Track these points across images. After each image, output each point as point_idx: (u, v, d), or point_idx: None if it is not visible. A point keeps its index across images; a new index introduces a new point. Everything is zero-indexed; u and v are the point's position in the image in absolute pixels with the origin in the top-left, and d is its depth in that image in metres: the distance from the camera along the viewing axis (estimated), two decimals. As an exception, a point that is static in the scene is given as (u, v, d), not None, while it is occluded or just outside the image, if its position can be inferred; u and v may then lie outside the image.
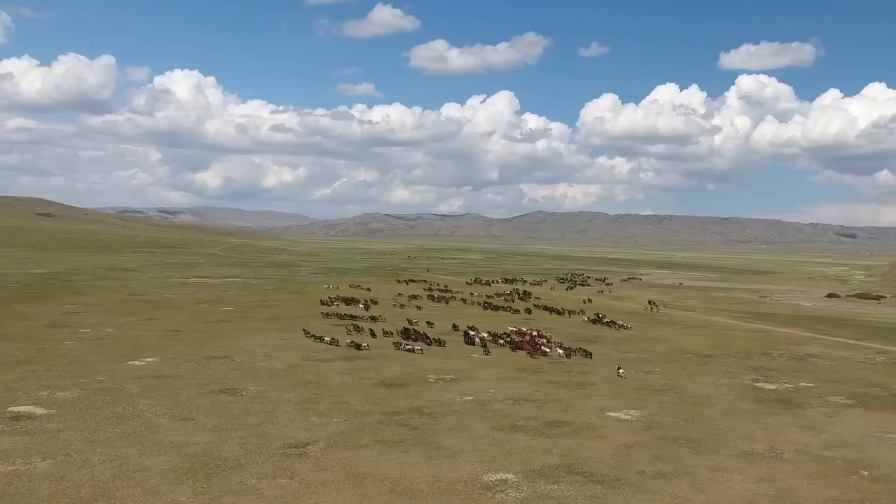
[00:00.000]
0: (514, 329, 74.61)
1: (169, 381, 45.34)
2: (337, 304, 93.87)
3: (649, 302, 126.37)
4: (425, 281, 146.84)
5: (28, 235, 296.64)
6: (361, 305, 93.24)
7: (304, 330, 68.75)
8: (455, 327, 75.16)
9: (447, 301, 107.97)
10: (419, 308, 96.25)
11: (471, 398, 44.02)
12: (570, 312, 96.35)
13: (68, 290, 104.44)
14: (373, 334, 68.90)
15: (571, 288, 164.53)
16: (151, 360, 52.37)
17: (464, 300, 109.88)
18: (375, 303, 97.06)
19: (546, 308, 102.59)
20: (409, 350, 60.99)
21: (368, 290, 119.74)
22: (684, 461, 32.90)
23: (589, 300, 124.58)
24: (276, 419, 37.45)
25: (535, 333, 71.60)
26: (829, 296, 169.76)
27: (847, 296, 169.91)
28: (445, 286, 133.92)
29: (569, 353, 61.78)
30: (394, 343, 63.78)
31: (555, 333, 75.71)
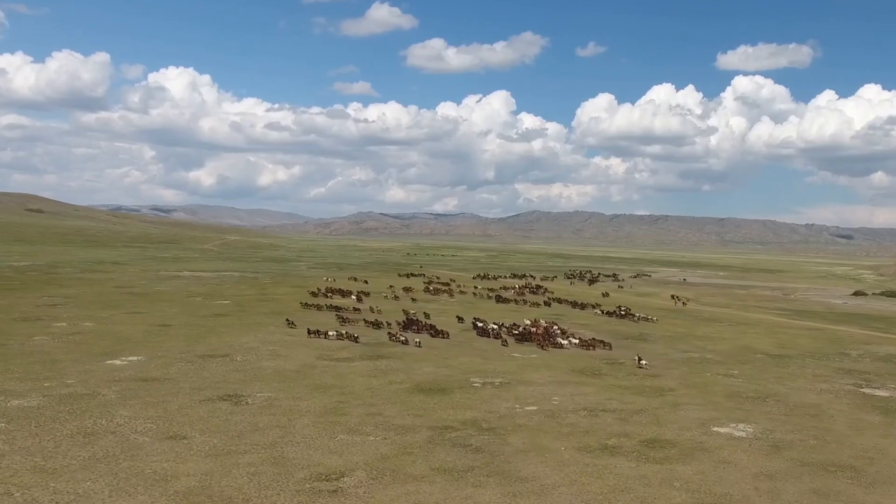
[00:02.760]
0: (530, 322, 68.46)
1: (155, 386, 36.39)
2: (331, 296, 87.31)
3: (672, 297, 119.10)
4: (423, 275, 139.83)
5: (15, 230, 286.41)
6: (354, 297, 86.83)
7: (287, 320, 61.23)
8: (460, 319, 68.45)
9: (450, 294, 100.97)
10: (414, 300, 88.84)
11: (534, 408, 35.22)
12: (592, 306, 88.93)
13: (49, 282, 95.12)
14: (375, 325, 62.37)
15: (591, 283, 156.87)
16: (135, 358, 43.39)
17: (473, 294, 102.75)
18: (367, 294, 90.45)
19: (568, 302, 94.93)
20: (403, 342, 53.99)
21: (366, 282, 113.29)
22: (857, 499, 24.18)
23: (606, 294, 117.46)
24: (294, 437, 28.54)
25: (555, 327, 65.19)
26: (856, 294, 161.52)
27: (874, 294, 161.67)
28: (451, 279, 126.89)
29: (588, 345, 55.85)
30: (389, 333, 57.16)
31: (595, 331, 67.08)
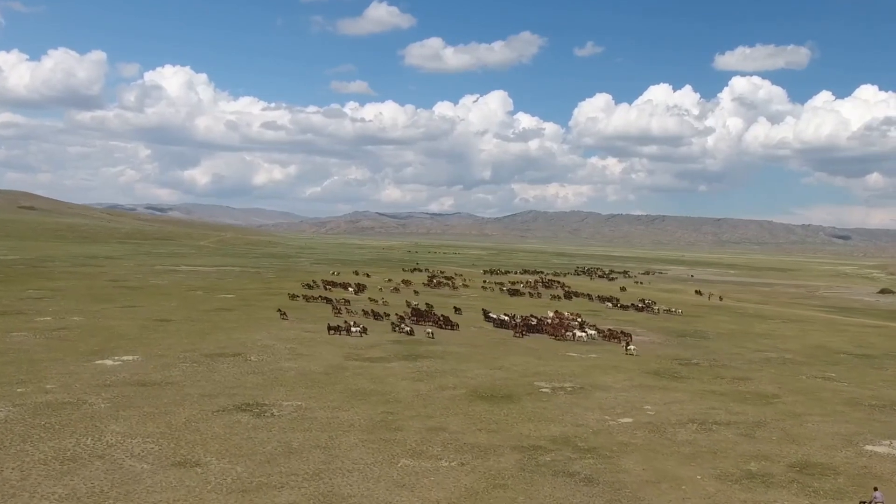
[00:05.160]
0: (553, 313, 64.02)
1: (156, 392, 29.31)
2: (330, 289, 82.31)
3: (697, 292, 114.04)
4: (427, 269, 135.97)
5: (7, 226, 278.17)
6: (352, 289, 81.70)
7: (279, 310, 55.78)
8: (457, 310, 63.50)
9: (453, 287, 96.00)
10: (417, 293, 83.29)
11: (629, 420, 28.27)
12: (613, 300, 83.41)
13: (37, 275, 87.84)
14: (376, 316, 57.72)
15: (611, 279, 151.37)
16: (130, 358, 36.30)
17: (483, 288, 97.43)
18: (365, 287, 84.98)
19: (585, 295, 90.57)
20: (408, 332, 49.38)
21: (367, 275, 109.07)
22: None
23: (624, 288, 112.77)
24: (343, 462, 21.52)
25: (579, 319, 60.74)
26: (883, 291, 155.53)
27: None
28: (456, 273, 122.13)
29: (609, 336, 51.01)
30: (392, 324, 52.78)
31: (643, 328, 60.32)
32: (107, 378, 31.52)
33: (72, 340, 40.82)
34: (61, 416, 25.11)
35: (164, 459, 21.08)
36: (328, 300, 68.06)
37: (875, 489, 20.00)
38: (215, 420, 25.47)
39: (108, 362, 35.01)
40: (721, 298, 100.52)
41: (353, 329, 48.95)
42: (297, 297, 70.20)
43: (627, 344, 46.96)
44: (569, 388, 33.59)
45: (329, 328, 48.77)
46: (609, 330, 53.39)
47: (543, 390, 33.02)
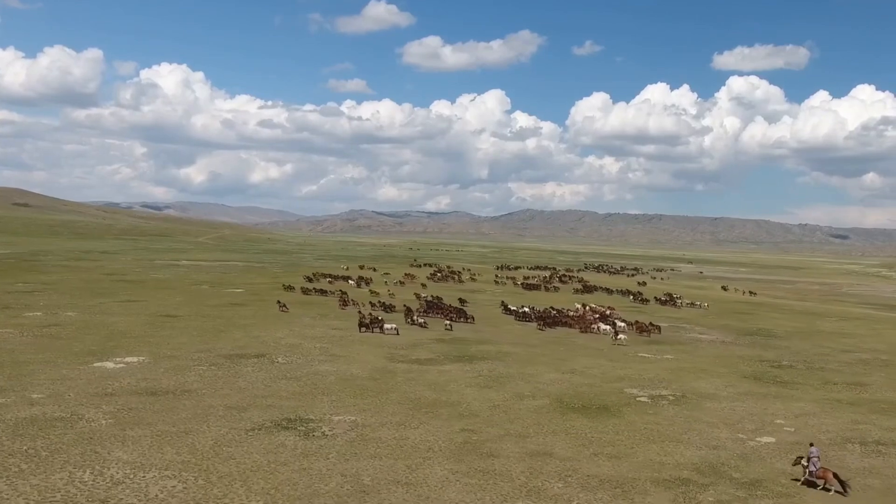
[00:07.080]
0: (581, 306, 62.22)
1: (170, 403, 23.28)
2: (332, 282, 79.62)
3: (723, 288, 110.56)
4: (433, 265, 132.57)
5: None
6: (353, 282, 78.98)
7: (278, 302, 52.29)
8: (462, 301, 60.50)
9: (458, 280, 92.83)
10: (424, 285, 78.86)
11: (770, 440, 22.40)
12: (635, 294, 78.62)
13: (28, 269, 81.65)
14: (385, 308, 54.34)
15: (631, 275, 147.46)
16: (134, 359, 30.25)
17: (495, 282, 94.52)
18: (369, 281, 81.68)
19: (604, 288, 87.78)
20: (422, 325, 47.03)
21: (374, 269, 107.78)
22: None
23: (644, 283, 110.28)
24: (440, 508, 15.56)
25: (608, 311, 58.51)
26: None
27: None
28: (464, 268, 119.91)
29: (640, 329, 47.94)
30: (405, 315, 49.95)
31: (703, 326, 54.59)
32: (107, 385, 25.51)
33: (65, 339, 34.76)
34: (50, 438, 19.12)
35: (193, 505, 15.09)
36: (324, 292, 65.81)
37: (811, 444, 19.70)
38: (252, 442, 19.49)
39: (109, 365, 29.00)
40: (753, 294, 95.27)
41: (386, 327, 43.05)
42: (293, 288, 67.31)
43: (617, 334, 44.03)
44: (669, 397, 27.68)
45: (360, 325, 42.89)
46: (637, 322, 50.07)
47: (641, 399, 27.10)
